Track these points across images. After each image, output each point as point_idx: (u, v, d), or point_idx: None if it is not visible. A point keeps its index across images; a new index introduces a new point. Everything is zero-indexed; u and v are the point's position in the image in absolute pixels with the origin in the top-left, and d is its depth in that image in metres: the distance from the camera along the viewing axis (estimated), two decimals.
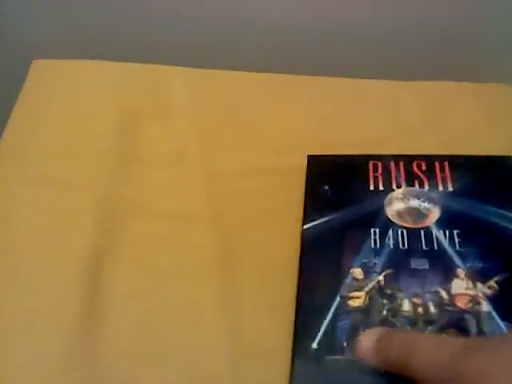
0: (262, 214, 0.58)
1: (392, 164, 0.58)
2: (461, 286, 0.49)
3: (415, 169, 0.58)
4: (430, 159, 0.58)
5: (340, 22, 0.79)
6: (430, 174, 0.57)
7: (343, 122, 0.66)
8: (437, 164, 0.58)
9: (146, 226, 0.56)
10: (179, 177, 0.61)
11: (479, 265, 0.50)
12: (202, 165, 0.62)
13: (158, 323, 0.50)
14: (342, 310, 0.48)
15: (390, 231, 0.53)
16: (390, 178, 0.57)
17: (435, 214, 0.54)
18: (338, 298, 0.48)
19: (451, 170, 0.57)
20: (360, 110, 0.68)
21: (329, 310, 0.48)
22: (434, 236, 0.52)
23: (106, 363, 0.47)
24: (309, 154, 0.60)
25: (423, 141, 0.64)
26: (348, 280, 0.50)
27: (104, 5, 0.82)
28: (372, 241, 0.52)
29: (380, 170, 0.58)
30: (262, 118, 0.67)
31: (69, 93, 0.69)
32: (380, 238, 0.52)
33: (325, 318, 0.47)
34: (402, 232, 0.53)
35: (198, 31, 0.83)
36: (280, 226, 0.56)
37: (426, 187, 0.56)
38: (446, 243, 0.51)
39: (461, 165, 0.58)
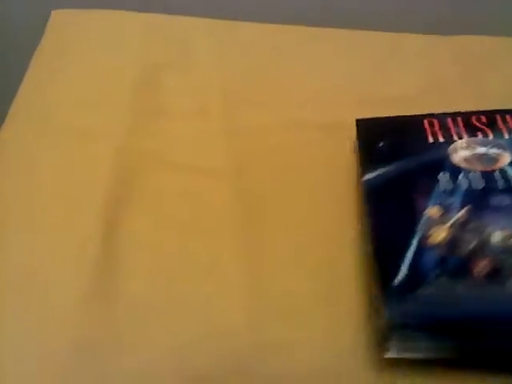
0: (286, 170, 0.54)
1: (449, 120, 0.54)
2: None
3: (475, 122, 0.53)
4: (490, 113, 0.54)
5: None
6: (492, 125, 0.53)
7: (377, 76, 0.63)
8: (498, 117, 0.54)
9: (165, 178, 0.54)
10: (201, 130, 0.58)
11: None
12: (224, 119, 0.59)
13: (175, 275, 0.46)
14: (423, 247, 0.42)
15: (461, 175, 0.48)
16: (450, 131, 0.53)
17: (506, 157, 0.49)
18: (416, 236, 0.42)
19: None
20: (395, 65, 0.64)
21: (409, 247, 0.42)
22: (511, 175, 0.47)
23: (122, 312, 0.44)
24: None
25: (460, 95, 0.60)
26: (424, 220, 0.44)
27: None
28: (443, 184, 0.47)
29: (437, 126, 0.54)
30: (288, 71, 0.63)
31: (89, 43, 0.66)
32: (451, 181, 0.47)
33: (406, 256, 0.41)
34: (475, 175, 0.47)
35: None
36: (306, 181, 0.53)
37: (491, 137, 0.52)
38: None
39: None
